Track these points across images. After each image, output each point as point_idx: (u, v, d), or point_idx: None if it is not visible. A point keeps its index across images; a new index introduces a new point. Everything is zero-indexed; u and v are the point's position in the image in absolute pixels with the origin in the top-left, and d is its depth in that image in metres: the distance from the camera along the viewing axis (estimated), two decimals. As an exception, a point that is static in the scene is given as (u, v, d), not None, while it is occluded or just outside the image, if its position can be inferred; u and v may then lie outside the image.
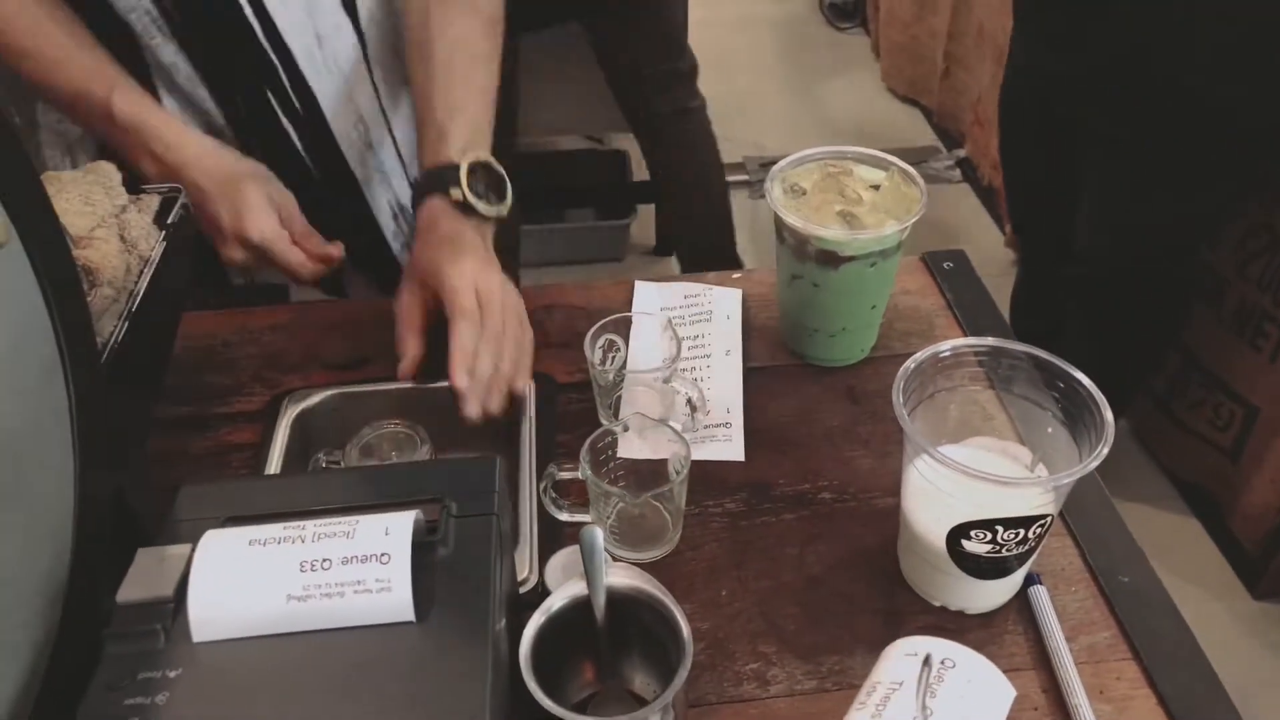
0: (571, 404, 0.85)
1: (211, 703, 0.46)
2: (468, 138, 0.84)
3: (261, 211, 0.83)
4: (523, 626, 0.56)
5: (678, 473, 0.71)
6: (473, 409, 0.74)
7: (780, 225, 0.80)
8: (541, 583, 0.69)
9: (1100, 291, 1.65)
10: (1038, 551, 0.66)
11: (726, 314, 0.91)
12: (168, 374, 0.84)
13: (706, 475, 0.78)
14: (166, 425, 0.81)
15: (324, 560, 0.49)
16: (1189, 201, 1.45)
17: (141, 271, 0.68)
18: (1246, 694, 1.62)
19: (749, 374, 0.87)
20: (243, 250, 0.84)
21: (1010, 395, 0.67)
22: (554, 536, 0.73)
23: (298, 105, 0.92)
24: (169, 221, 0.73)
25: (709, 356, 0.88)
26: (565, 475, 0.72)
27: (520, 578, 0.70)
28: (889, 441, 0.80)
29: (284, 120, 0.92)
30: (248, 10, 0.85)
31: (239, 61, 0.88)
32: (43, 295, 0.50)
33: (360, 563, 0.49)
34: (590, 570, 0.59)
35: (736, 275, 0.97)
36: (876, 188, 0.81)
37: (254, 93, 0.90)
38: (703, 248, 2.15)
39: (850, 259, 0.78)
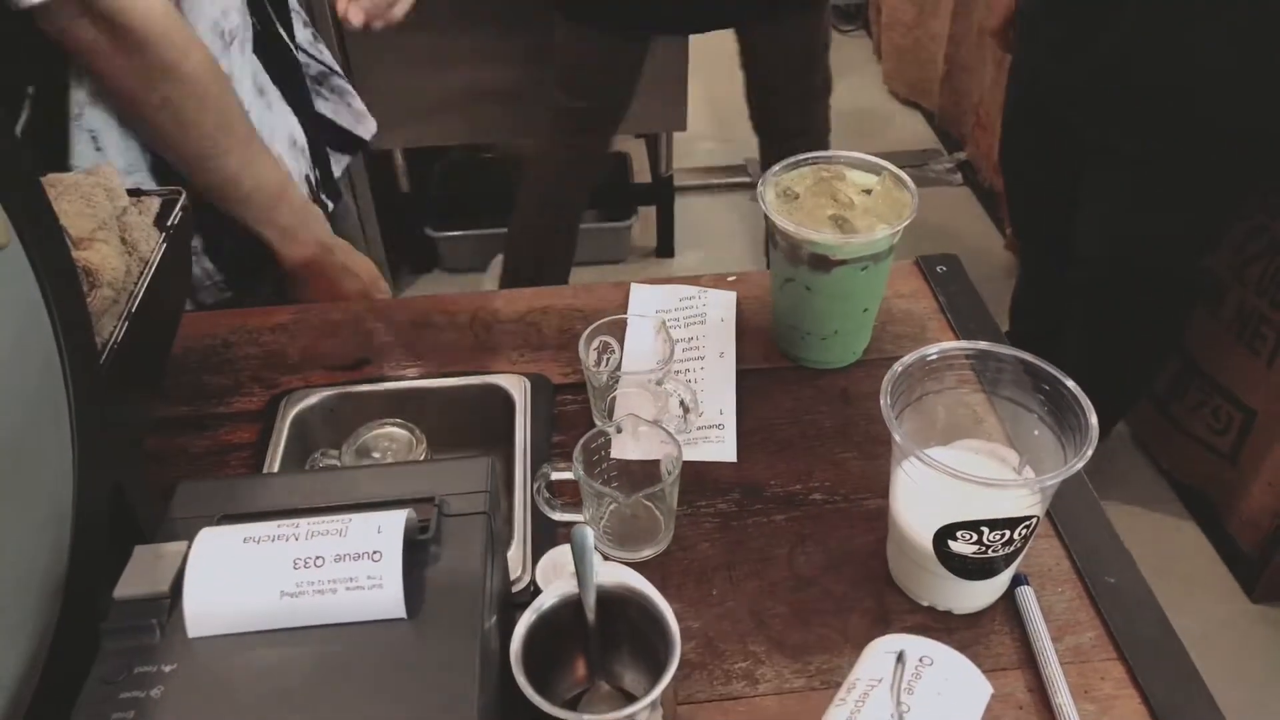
0: (566, 405, 0.86)
1: (206, 697, 0.47)
2: None
3: None
4: (514, 625, 0.57)
5: (669, 473, 0.72)
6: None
7: (773, 229, 0.81)
8: (533, 582, 0.70)
9: (1099, 298, 1.65)
10: (1024, 553, 0.66)
11: (720, 316, 0.92)
12: (167, 374, 0.85)
13: (699, 476, 0.79)
14: (166, 425, 0.82)
15: (317, 558, 0.50)
16: (1187, 211, 1.46)
17: (141, 273, 0.69)
18: (1243, 696, 1.63)
19: (742, 376, 0.88)
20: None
21: (998, 398, 0.68)
22: (547, 536, 0.74)
23: None
24: (169, 224, 0.74)
25: (703, 358, 0.89)
26: (559, 475, 0.73)
27: (513, 577, 0.71)
28: (880, 443, 0.81)
29: None
30: None
31: None
32: (43, 296, 0.51)
33: (352, 560, 0.50)
34: (581, 569, 0.60)
35: (731, 278, 0.98)
36: (868, 192, 0.82)
37: None
38: None
39: (842, 262, 0.79)
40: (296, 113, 1.04)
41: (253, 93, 0.96)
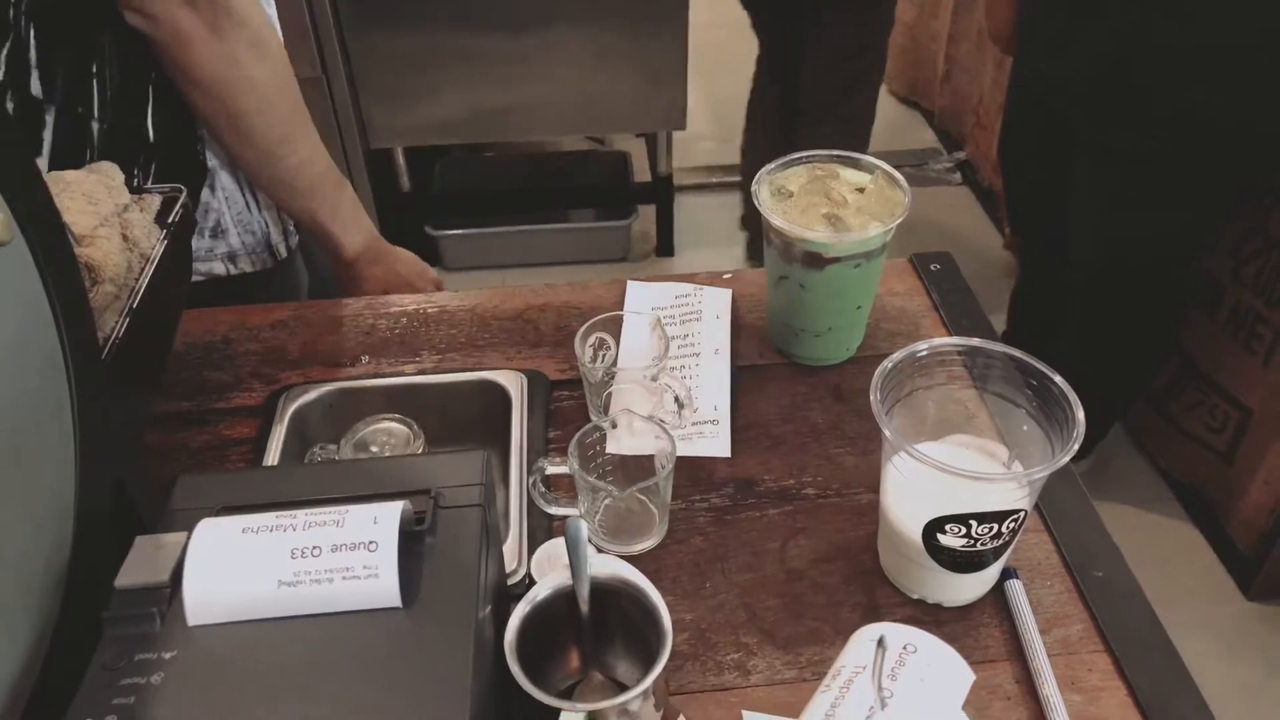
0: (563, 401, 0.87)
1: (204, 683, 0.48)
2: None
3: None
4: (509, 615, 0.58)
5: (663, 467, 0.72)
6: None
7: (767, 227, 0.82)
8: (529, 574, 0.71)
9: (1093, 297, 1.66)
10: (1012, 546, 0.67)
11: (716, 314, 0.93)
12: (167, 369, 0.86)
13: (693, 471, 0.80)
14: (167, 420, 0.83)
15: (314, 548, 0.51)
16: (1179, 210, 1.46)
17: (143, 270, 0.70)
18: (1239, 694, 1.64)
19: (737, 372, 0.88)
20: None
21: (987, 393, 0.69)
22: (543, 530, 0.75)
23: None
24: (170, 221, 0.75)
25: (698, 355, 0.89)
26: (554, 470, 0.74)
27: (509, 569, 0.72)
28: (873, 439, 0.82)
29: None
30: None
31: None
32: (45, 291, 0.52)
33: (349, 550, 0.51)
34: (574, 561, 0.61)
35: (727, 275, 0.99)
36: (862, 190, 0.83)
37: None
38: None
39: (835, 260, 0.80)
40: None
41: None
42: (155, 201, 0.77)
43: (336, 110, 2.07)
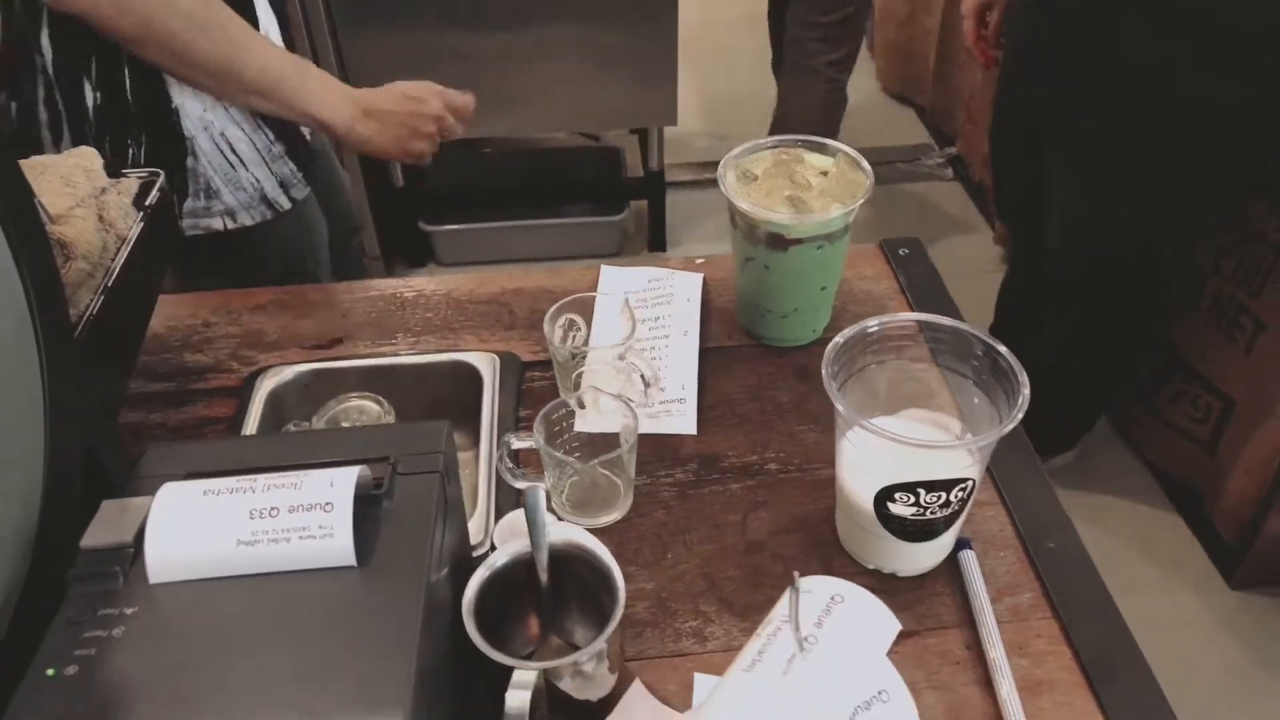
0: (535, 381, 0.88)
1: (163, 637, 0.49)
2: None
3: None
4: (469, 582, 0.60)
5: (626, 442, 0.74)
6: None
7: (733, 210, 0.84)
8: (492, 545, 0.73)
9: (1072, 289, 1.68)
10: (963, 516, 0.69)
11: (687, 297, 0.95)
12: (149, 351, 0.88)
13: (660, 447, 0.82)
14: (146, 400, 0.85)
15: (272, 508, 0.53)
16: (1146, 205, 1.48)
17: (119, 250, 0.72)
18: (1222, 682, 1.65)
19: (706, 353, 0.90)
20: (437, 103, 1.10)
21: (937, 368, 0.70)
22: (510, 504, 0.77)
23: None
24: (147, 203, 0.77)
25: (668, 337, 0.91)
26: (520, 445, 0.76)
27: (475, 542, 0.74)
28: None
29: None
30: None
31: None
32: (16, 265, 0.54)
33: (305, 511, 0.52)
34: (533, 528, 0.63)
35: (700, 260, 1.01)
36: (825, 174, 0.84)
37: None
38: None
39: (798, 241, 0.82)
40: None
41: None
42: (133, 185, 0.78)
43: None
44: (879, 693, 0.48)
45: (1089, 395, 1.90)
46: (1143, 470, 1.98)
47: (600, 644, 0.59)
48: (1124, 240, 1.54)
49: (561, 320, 0.85)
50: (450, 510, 0.61)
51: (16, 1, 0.91)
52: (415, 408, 0.85)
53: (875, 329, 0.69)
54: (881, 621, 0.53)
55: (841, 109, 2.30)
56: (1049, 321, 1.78)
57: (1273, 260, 1.61)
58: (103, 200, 0.74)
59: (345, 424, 0.79)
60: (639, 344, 0.90)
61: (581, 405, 0.79)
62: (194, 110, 0.99)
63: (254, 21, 1.03)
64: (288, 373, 0.87)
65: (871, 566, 0.72)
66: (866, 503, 0.67)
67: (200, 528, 0.52)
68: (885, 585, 0.71)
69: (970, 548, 0.72)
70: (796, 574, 0.51)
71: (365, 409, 0.80)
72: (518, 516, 0.73)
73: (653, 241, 2.59)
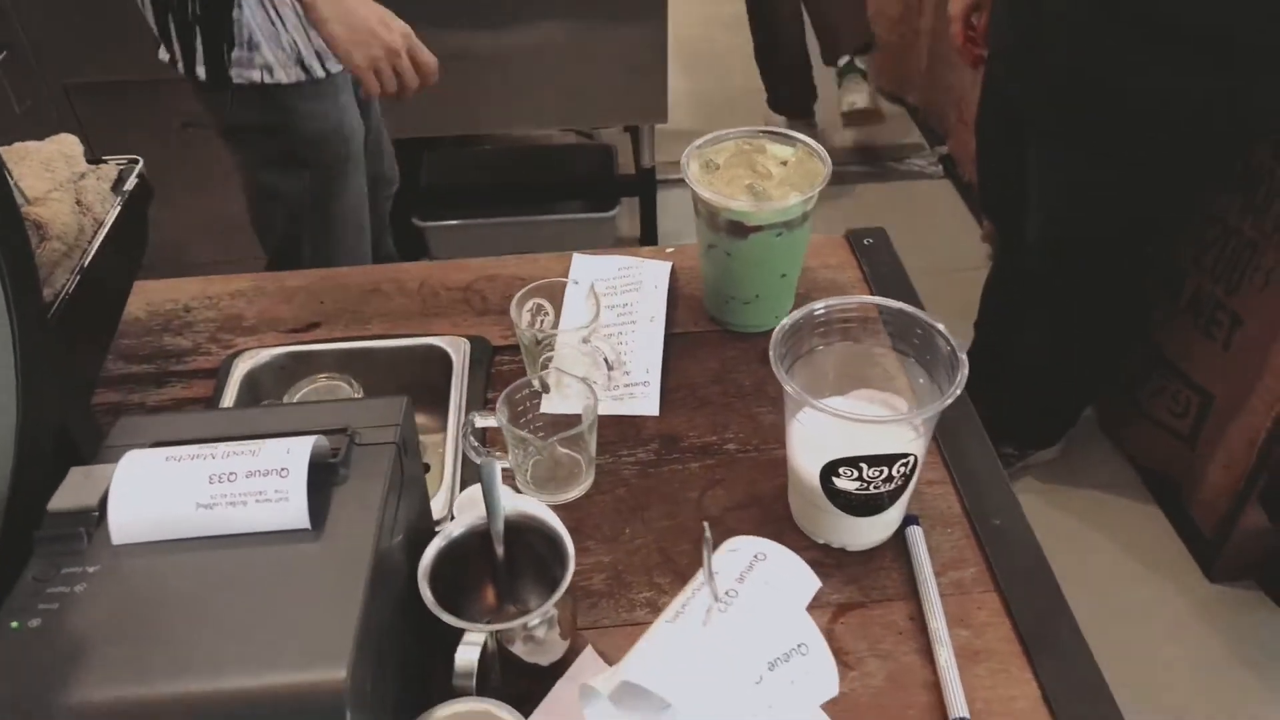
0: (504, 365, 0.91)
1: (123, 593, 0.52)
2: None
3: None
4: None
5: (586, 420, 0.77)
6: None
7: (695, 198, 0.86)
8: (452, 517, 0.75)
9: (1051, 284, 1.70)
10: (908, 491, 0.71)
11: (655, 284, 0.97)
12: (130, 335, 0.91)
13: (623, 428, 0.85)
14: (126, 380, 0.88)
15: (230, 474, 0.55)
16: (1126, 200, 1.50)
17: (95, 232, 0.75)
18: (1199, 672, 1.67)
19: (672, 339, 0.93)
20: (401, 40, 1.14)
21: (882, 348, 0.72)
22: (474, 481, 0.79)
23: None
24: (125, 189, 0.80)
25: (635, 322, 0.94)
26: (484, 423, 0.78)
27: (439, 516, 0.76)
28: (795, 400, 0.86)
29: None
30: None
31: None
32: (-12, 240, 0.56)
33: (262, 476, 0.55)
34: (489, 500, 0.66)
35: (670, 250, 1.03)
36: (785, 164, 0.87)
37: None
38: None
39: (757, 229, 0.84)
40: None
41: None
42: (112, 171, 0.81)
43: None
44: (798, 645, 0.50)
45: (1072, 391, 1.92)
46: (1125, 465, 2.00)
47: (549, 607, 0.61)
48: (1100, 236, 1.56)
49: (529, 305, 0.87)
50: (408, 482, 0.64)
51: None
52: (388, 390, 0.86)
53: (822, 312, 0.71)
54: (802, 579, 0.55)
55: None
56: (1031, 317, 1.81)
57: (1249, 256, 1.63)
58: (81, 185, 0.76)
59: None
60: (606, 329, 0.92)
61: (546, 388, 0.81)
62: None
63: None
64: (264, 355, 0.89)
65: (821, 541, 0.74)
66: (814, 478, 0.69)
67: (161, 491, 0.55)
68: (834, 559, 0.74)
69: (918, 524, 0.75)
70: (706, 525, 0.54)
71: (335, 388, 0.82)
72: (476, 490, 0.75)
73: (644, 238, 2.61)
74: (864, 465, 0.67)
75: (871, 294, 0.96)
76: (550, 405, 0.82)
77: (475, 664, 0.58)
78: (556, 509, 0.76)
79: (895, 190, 2.76)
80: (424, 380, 0.90)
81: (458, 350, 0.90)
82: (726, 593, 0.51)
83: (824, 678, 0.50)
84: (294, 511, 0.55)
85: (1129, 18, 1.32)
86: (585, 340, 0.85)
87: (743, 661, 0.48)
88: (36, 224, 0.67)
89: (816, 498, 0.70)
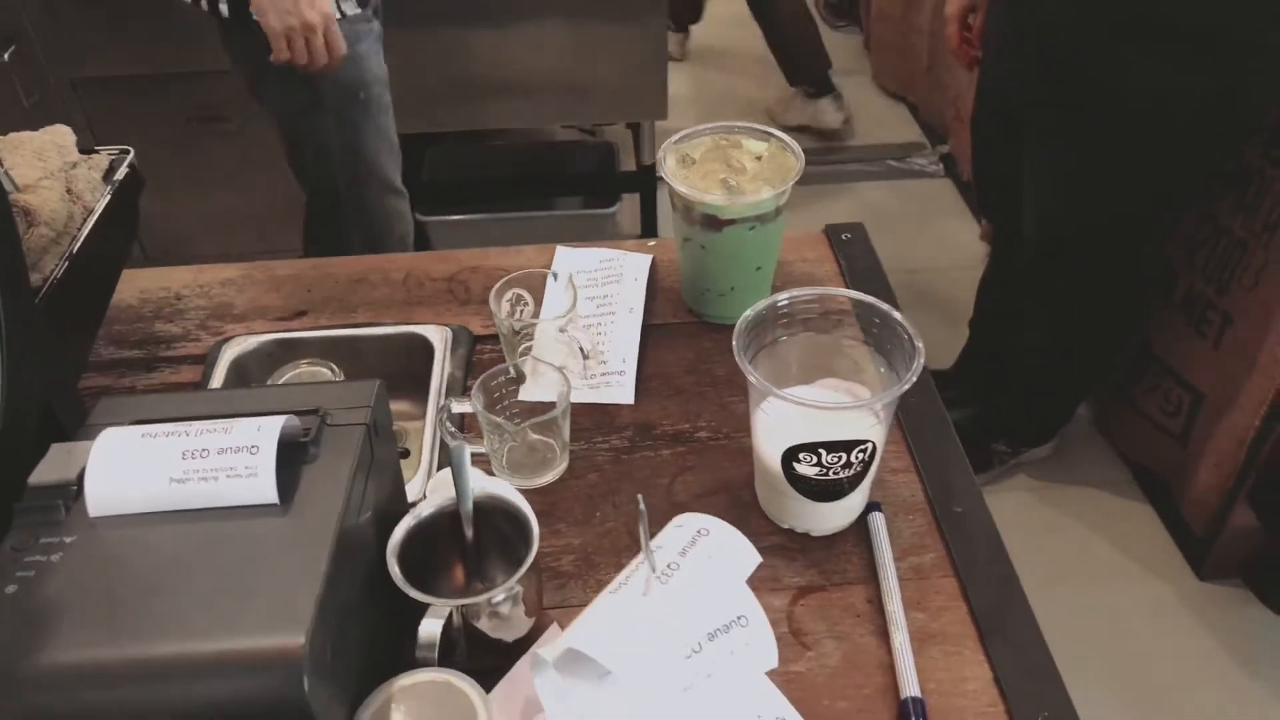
0: (485, 353, 0.93)
1: (98, 563, 0.54)
2: None
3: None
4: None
5: (559, 406, 0.79)
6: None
7: (671, 192, 0.88)
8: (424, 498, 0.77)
9: (1044, 280, 1.71)
10: (868, 478, 0.73)
11: (635, 276, 0.99)
12: (122, 321, 0.93)
13: (599, 416, 0.87)
14: (116, 365, 0.90)
15: (203, 450, 0.57)
16: (1119, 196, 1.51)
17: (85, 220, 0.77)
18: (1188, 671, 1.68)
19: (650, 329, 0.95)
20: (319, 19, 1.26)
21: (851, 340, 0.74)
22: (451, 465, 0.81)
23: None
24: (115, 179, 0.82)
25: (614, 313, 0.96)
26: (460, 409, 0.81)
27: (414, 499, 0.78)
28: (767, 390, 0.87)
29: None
30: None
31: None
32: (-26, 225, 0.59)
33: (233, 452, 0.57)
34: (458, 482, 0.68)
35: (652, 243, 1.05)
36: (760, 159, 0.88)
37: None
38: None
39: (731, 222, 0.86)
40: None
41: None
42: (103, 161, 0.84)
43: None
44: (738, 618, 0.52)
45: (1066, 388, 1.93)
46: (1118, 463, 2.01)
47: (513, 584, 0.63)
48: (1096, 233, 1.57)
49: (509, 295, 0.89)
50: (379, 462, 0.66)
51: None
52: (371, 377, 0.90)
53: (785, 303, 0.73)
54: (742, 553, 0.57)
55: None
56: (1026, 314, 1.82)
57: (1239, 256, 1.64)
58: (73, 174, 0.79)
59: (297, 387, 0.84)
60: (586, 319, 0.94)
61: (521, 375, 0.83)
62: None
63: None
64: (251, 342, 0.92)
65: (786, 526, 0.76)
66: (776, 464, 0.71)
67: (136, 467, 0.57)
68: (798, 544, 0.76)
69: (880, 510, 0.76)
70: (640, 498, 0.56)
71: (317, 374, 0.84)
72: (448, 472, 0.78)
73: (645, 234, 2.63)
74: (823, 451, 0.68)
75: (847, 288, 0.98)
76: (527, 393, 0.84)
77: (438, 636, 0.60)
78: (531, 493, 0.79)
79: (896, 188, 2.78)
80: (407, 368, 0.92)
81: (440, 339, 0.92)
82: (669, 565, 0.53)
83: (763, 649, 0.52)
84: (263, 487, 0.57)
85: (1125, 16, 1.33)
86: (562, 330, 0.87)
87: (681, 631, 0.50)
88: (25, 210, 0.70)
89: (779, 483, 0.72)
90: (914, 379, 0.67)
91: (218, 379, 0.88)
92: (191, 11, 1.36)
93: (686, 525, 0.57)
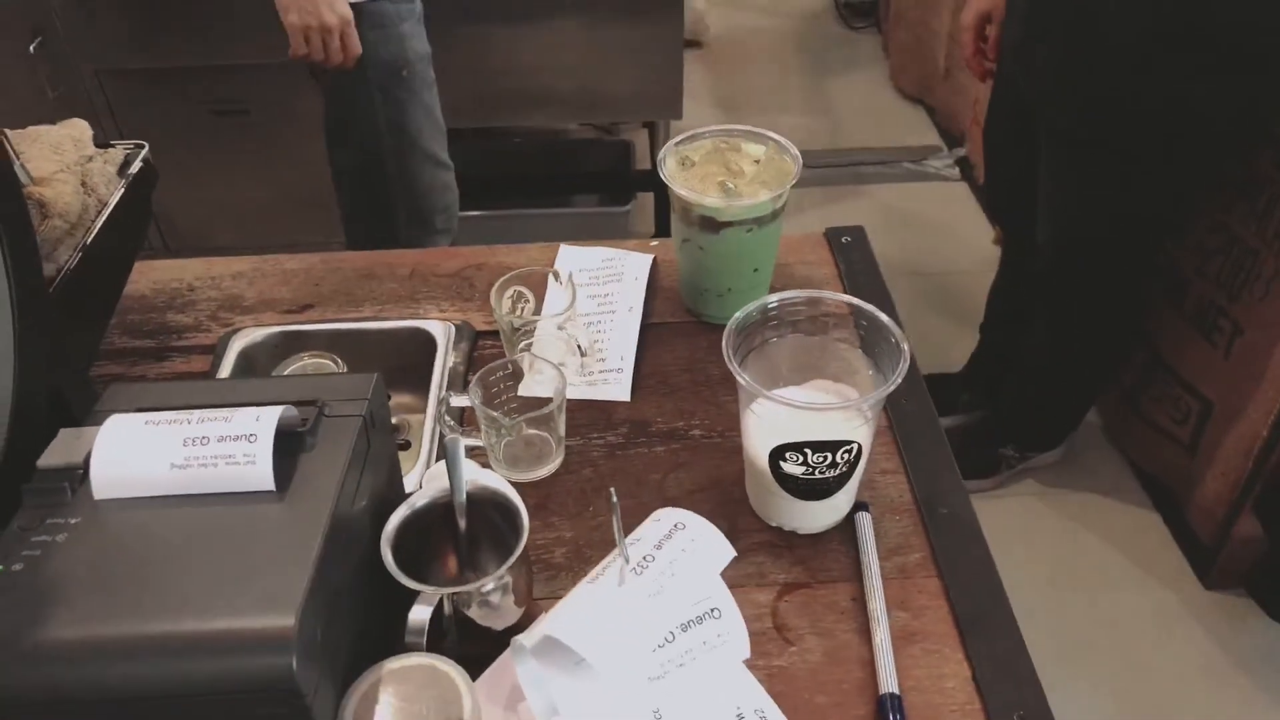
0: (486, 349, 0.95)
1: (101, 543, 0.56)
2: None
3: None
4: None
5: (555, 402, 0.80)
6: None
7: (672, 194, 0.89)
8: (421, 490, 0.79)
9: (1055, 284, 1.71)
10: (855, 478, 0.74)
11: (635, 276, 1.01)
12: (135, 310, 0.96)
13: (595, 412, 0.88)
14: (128, 354, 0.93)
15: (203, 437, 0.59)
16: (1135, 200, 1.51)
17: (99, 213, 0.80)
18: (1193, 678, 1.68)
19: (649, 328, 0.96)
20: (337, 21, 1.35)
21: (845, 342, 0.76)
22: (449, 457, 0.83)
23: None
24: (129, 173, 0.85)
25: (614, 312, 0.97)
26: (459, 403, 0.82)
27: (411, 489, 0.80)
28: (762, 389, 0.89)
29: None
30: None
31: None
32: (-11, 217, 0.61)
33: (233, 440, 0.59)
34: (452, 474, 0.70)
35: (654, 243, 1.07)
36: (758, 162, 0.90)
37: None
38: None
39: (728, 224, 0.87)
40: None
41: None
42: (119, 155, 0.86)
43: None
44: (711, 610, 0.53)
45: (1075, 393, 1.93)
46: (1126, 470, 2.00)
47: (502, 573, 0.65)
48: (1108, 236, 1.57)
49: (510, 292, 0.91)
50: (375, 453, 0.68)
51: None
52: (374, 370, 0.92)
53: (775, 305, 0.74)
54: (717, 547, 0.58)
55: None
56: (1036, 318, 1.82)
57: (1251, 265, 1.64)
58: (88, 168, 0.81)
59: (301, 379, 0.86)
60: (586, 317, 0.96)
61: (520, 372, 0.85)
62: None
63: None
64: (259, 333, 0.94)
65: (774, 524, 0.78)
66: (764, 463, 0.73)
67: (140, 452, 0.59)
68: (786, 541, 0.77)
69: (867, 510, 0.78)
70: (613, 490, 0.57)
71: (321, 366, 0.86)
72: (443, 464, 0.80)
73: (658, 232, 2.65)
74: (809, 451, 0.70)
75: (845, 290, 0.99)
76: (525, 388, 0.86)
77: (426, 622, 0.62)
78: (526, 486, 0.81)
79: (911, 191, 2.78)
80: (410, 361, 0.94)
81: (443, 334, 0.94)
82: (644, 558, 0.55)
83: (735, 640, 0.53)
84: (260, 474, 0.59)
85: (1149, 22, 1.33)
86: (560, 328, 0.89)
87: (655, 621, 0.52)
88: (40, 202, 0.72)
89: (767, 482, 0.74)
90: (899, 381, 0.68)
91: (226, 369, 0.91)
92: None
93: (664, 519, 0.58)
